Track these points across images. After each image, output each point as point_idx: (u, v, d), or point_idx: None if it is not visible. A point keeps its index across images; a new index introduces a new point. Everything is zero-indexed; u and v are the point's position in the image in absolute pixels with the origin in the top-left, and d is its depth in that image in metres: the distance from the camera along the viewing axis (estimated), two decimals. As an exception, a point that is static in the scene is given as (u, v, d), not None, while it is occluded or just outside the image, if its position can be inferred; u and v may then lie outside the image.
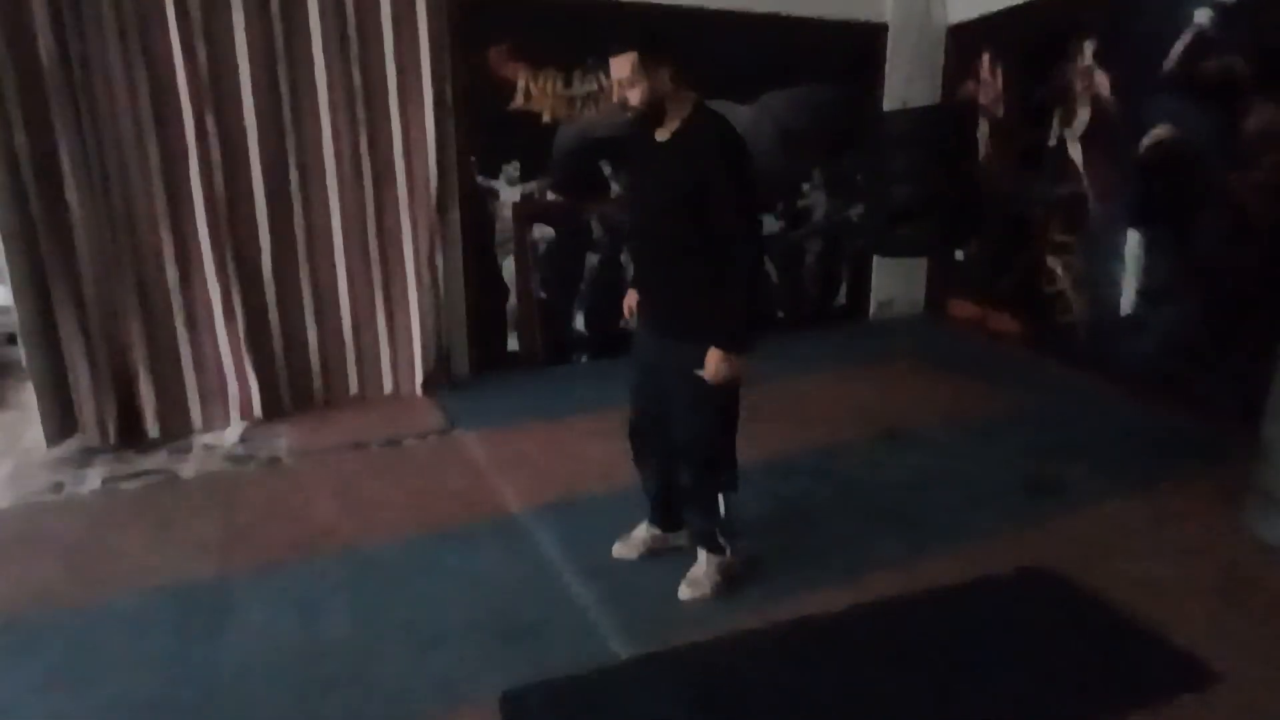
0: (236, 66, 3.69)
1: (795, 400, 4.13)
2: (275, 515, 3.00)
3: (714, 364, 2.13)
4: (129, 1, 3.43)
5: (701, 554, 2.47)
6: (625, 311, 2.53)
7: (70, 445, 3.65)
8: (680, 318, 2.25)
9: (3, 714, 1.97)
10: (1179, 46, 3.80)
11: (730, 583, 2.46)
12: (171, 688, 2.05)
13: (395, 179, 4.13)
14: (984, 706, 1.98)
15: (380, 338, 4.29)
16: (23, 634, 2.28)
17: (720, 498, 2.39)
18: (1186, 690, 2.00)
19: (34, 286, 3.49)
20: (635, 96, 2.12)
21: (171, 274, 3.74)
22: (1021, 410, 3.95)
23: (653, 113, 2.15)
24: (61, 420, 3.62)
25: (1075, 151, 4.47)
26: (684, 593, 2.43)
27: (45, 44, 3.29)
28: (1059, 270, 4.65)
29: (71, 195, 3.44)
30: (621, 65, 2.12)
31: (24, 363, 3.58)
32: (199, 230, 3.75)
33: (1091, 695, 2.01)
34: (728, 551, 2.45)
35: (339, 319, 4.19)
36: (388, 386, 4.36)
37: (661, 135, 2.19)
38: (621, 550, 2.64)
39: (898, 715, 1.96)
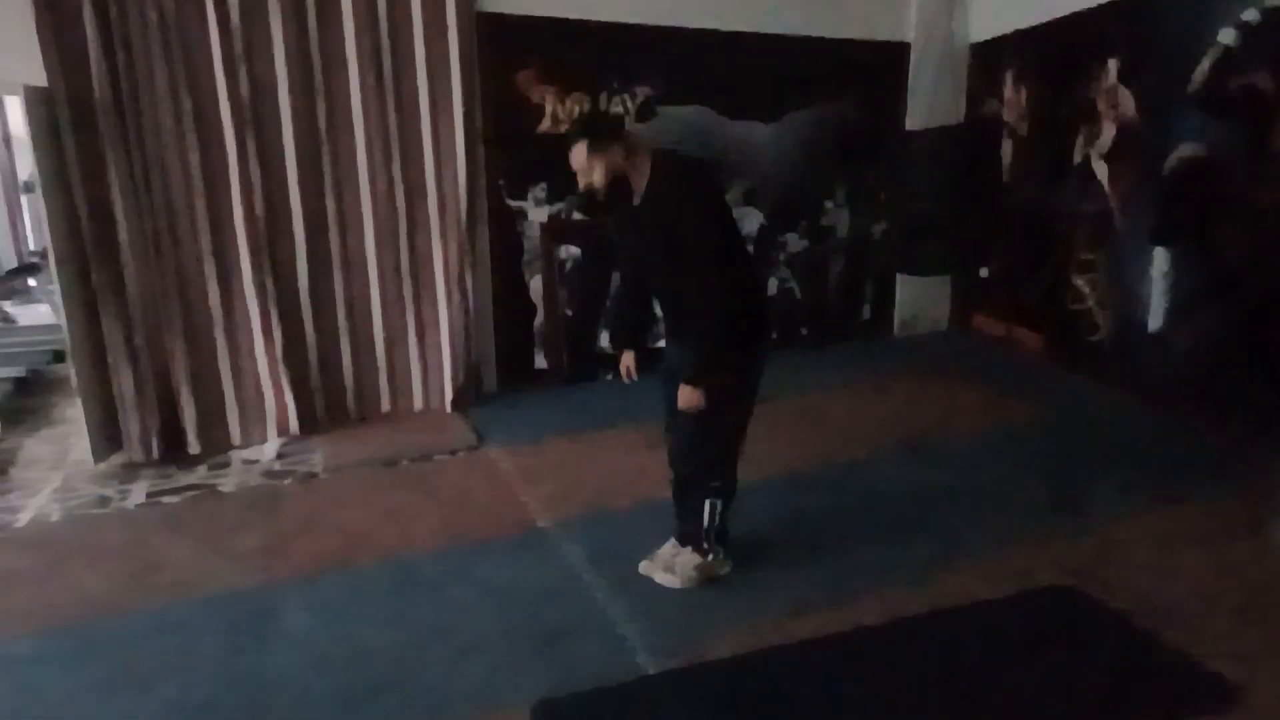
0: (276, 93, 3.85)
1: (817, 415, 4.17)
2: (313, 528, 3.09)
3: (682, 394, 2.38)
4: (175, 33, 3.60)
5: (686, 548, 2.60)
6: (623, 374, 2.70)
7: (116, 460, 3.80)
8: (684, 330, 2.51)
9: (67, 713, 2.07)
10: (1205, 64, 3.82)
11: (706, 583, 2.59)
12: (222, 693, 2.14)
13: (426, 200, 4.26)
14: (1007, 722, 2.00)
15: (411, 356, 4.40)
16: (78, 640, 2.39)
17: (707, 504, 2.51)
18: (1209, 709, 2.01)
19: (84, 307, 3.64)
20: (596, 178, 2.37)
21: (213, 294, 3.89)
22: (1046, 425, 3.96)
23: (617, 186, 2.38)
24: (107, 436, 3.77)
25: (1100, 169, 4.49)
26: (645, 567, 2.63)
27: (97, 75, 3.46)
28: (1084, 287, 4.65)
29: (120, 219, 3.60)
30: (576, 156, 2.38)
31: (73, 380, 3.73)
32: (239, 252, 3.89)
33: (1114, 713, 2.02)
34: (709, 556, 2.58)
35: (372, 337, 4.31)
36: (419, 403, 4.47)
37: (636, 199, 2.41)
38: (648, 567, 2.69)
39: (922, 729, 1.99)
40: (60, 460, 3.89)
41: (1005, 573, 2.63)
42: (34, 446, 4.11)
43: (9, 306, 7.49)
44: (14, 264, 8.31)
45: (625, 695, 2.12)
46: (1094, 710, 2.03)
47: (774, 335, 5.35)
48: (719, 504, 2.55)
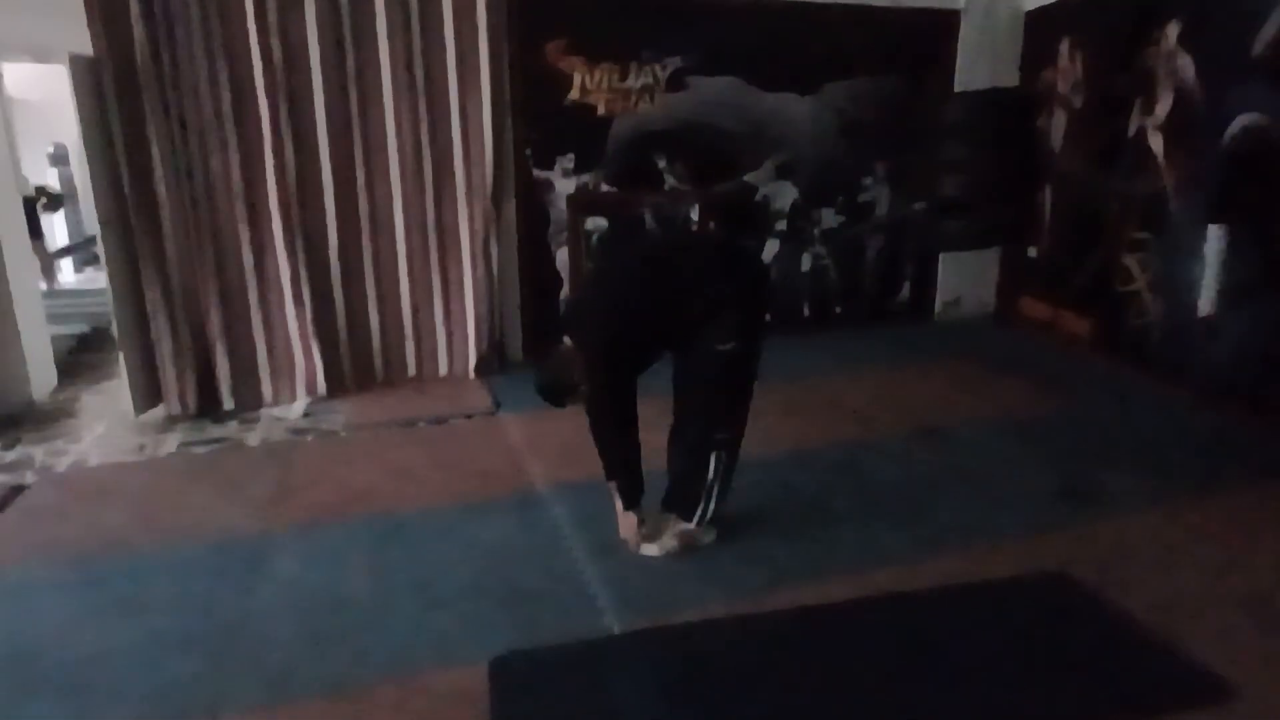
0: (308, 63, 3.96)
1: (836, 396, 4.07)
2: (321, 481, 3.21)
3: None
4: (213, 4, 3.74)
5: (670, 515, 2.60)
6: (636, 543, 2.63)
7: (156, 413, 4.02)
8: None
9: (56, 636, 2.23)
10: (1270, 28, 3.53)
11: (686, 551, 2.58)
12: (201, 626, 2.26)
13: (454, 170, 4.32)
14: (975, 708, 1.92)
15: (437, 322, 4.50)
16: (88, 571, 2.55)
17: (712, 456, 2.50)
18: (1195, 705, 1.89)
19: (126, 269, 3.85)
20: None
21: (247, 258, 4.05)
22: (1076, 413, 3.76)
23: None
24: (147, 391, 3.99)
25: (1156, 143, 4.20)
26: (630, 536, 2.60)
27: (139, 42, 3.62)
28: (1134, 269, 4.39)
29: (159, 183, 3.78)
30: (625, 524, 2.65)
31: (115, 338, 3.95)
32: (271, 217, 4.04)
33: (1091, 704, 1.92)
34: (695, 521, 2.57)
35: (399, 304, 4.42)
36: (443, 369, 4.57)
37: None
38: (630, 534, 2.69)
39: (880, 708, 1.94)
40: (108, 411, 4.14)
41: (999, 559, 2.52)
42: (88, 398, 4.39)
43: (91, 270, 8.00)
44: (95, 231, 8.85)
45: (584, 653, 2.13)
46: (1070, 700, 1.93)
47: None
48: (724, 456, 2.54)
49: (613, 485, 2.59)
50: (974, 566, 2.48)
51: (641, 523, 2.59)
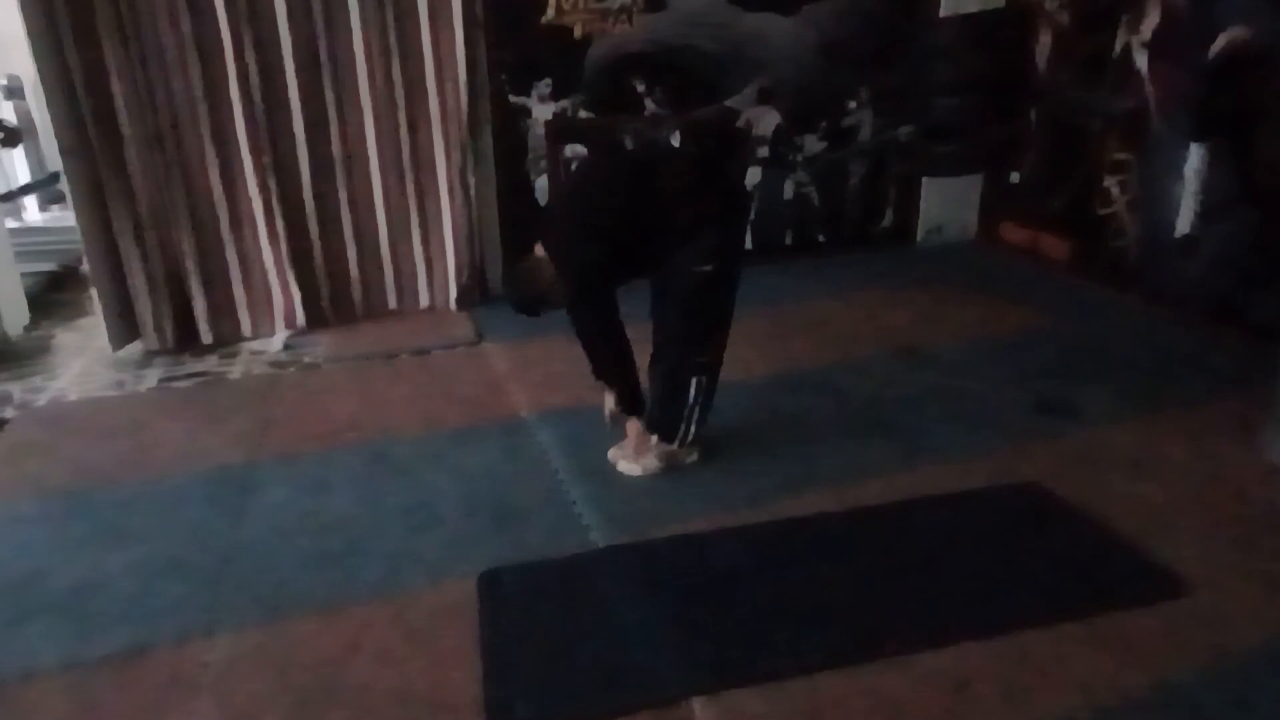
0: (271, -16, 3.78)
1: (818, 321, 4.09)
2: (304, 412, 3.22)
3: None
4: (166, -81, 3.54)
5: (653, 436, 2.63)
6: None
7: (134, 348, 3.97)
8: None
9: (49, 564, 2.26)
10: (1261, -65, 3.45)
11: (669, 471, 2.63)
12: (193, 552, 2.29)
13: (427, 96, 4.18)
14: (945, 607, 2.01)
15: (416, 253, 4.43)
16: (75, 503, 2.57)
17: (693, 381, 2.52)
18: (1153, 600, 1.98)
19: (93, 201, 3.75)
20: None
21: (217, 189, 3.94)
22: (1053, 333, 3.81)
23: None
24: (124, 326, 3.93)
25: (1140, 60, 4.15)
26: (612, 454, 2.67)
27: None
28: (1114, 190, 4.39)
29: (121, 112, 3.65)
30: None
31: (85, 269, 3.87)
32: (241, 150, 3.92)
33: (1055, 600, 2.01)
34: (683, 435, 2.60)
35: (376, 235, 4.33)
36: (424, 300, 4.53)
37: None
38: (614, 454, 2.73)
39: (859, 610, 2.02)
40: (84, 348, 4.09)
41: (974, 471, 2.59)
42: (63, 335, 4.32)
43: (57, 208, 7.75)
44: (58, 167, 8.54)
45: (569, 566, 2.19)
46: (1035, 597, 2.03)
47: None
48: (704, 380, 2.56)
49: (602, 383, 2.63)
50: (951, 479, 2.55)
51: (639, 428, 2.63)
